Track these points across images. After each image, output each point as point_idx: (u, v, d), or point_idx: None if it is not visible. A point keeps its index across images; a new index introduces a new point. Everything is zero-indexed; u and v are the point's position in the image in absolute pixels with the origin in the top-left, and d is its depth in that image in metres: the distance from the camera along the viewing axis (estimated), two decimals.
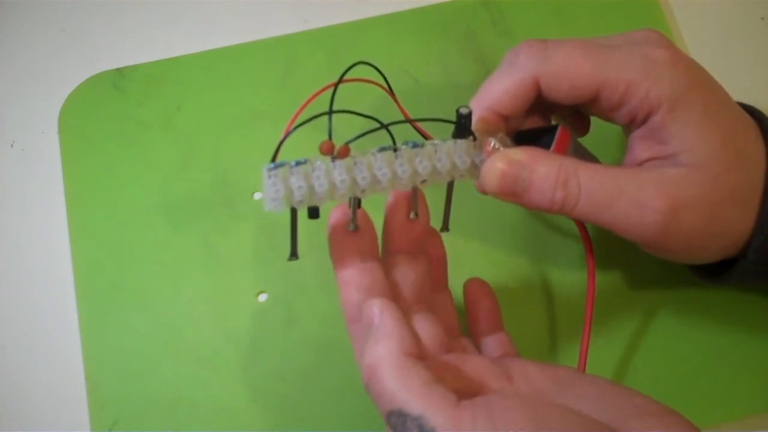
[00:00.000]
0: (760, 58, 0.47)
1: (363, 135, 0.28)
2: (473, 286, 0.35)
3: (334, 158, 0.28)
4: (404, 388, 0.25)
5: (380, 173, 0.28)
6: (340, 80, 0.28)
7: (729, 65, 0.47)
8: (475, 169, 0.31)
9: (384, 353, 0.26)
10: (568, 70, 0.32)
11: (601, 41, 0.33)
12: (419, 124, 0.32)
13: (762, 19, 0.48)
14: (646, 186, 0.30)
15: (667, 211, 0.30)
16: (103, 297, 0.40)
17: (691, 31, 0.47)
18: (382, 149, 0.29)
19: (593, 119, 0.37)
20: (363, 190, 0.28)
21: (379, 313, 0.27)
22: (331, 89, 0.28)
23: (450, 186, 0.32)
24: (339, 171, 0.28)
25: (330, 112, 0.28)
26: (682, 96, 0.31)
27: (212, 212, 0.42)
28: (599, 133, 0.38)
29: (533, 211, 0.42)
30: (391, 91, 0.31)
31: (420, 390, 0.25)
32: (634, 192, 0.30)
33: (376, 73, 0.31)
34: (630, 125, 0.33)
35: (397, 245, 0.31)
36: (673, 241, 0.31)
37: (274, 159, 0.27)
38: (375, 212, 0.32)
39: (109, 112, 0.44)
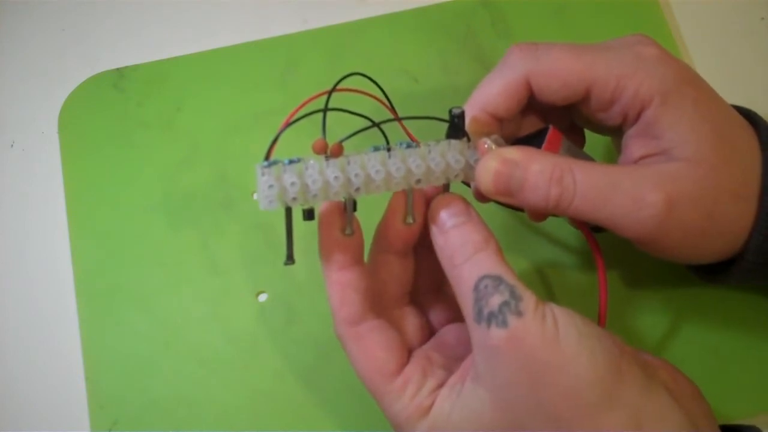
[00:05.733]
0: (760, 58, 0.47)
1: (356, 133, 0.28)
2: None
3: (327, 157, 0.28)
4: (505, 268, 0.28)
5: (374, 171, 0.28)
6: (334, 89, 0.28)
7: (729, 65, 0.47)
8: (470, 169, 0.31)
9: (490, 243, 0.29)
10: (559, 69, 0.32)
11: (592, 44, 0.33)
12: (411, 132, 0.32)
13: (762, 19, 0.48)
14: (642, 180, 0.30)
15: (664, 205, 0.30)
16: (103, 297, 0.40)
17: (691, 31, 0.47)
18: (376, 149, 0.29)
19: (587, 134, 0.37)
20: (357, 189, 0.28)
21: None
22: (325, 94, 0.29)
23: (446, 190, 0.32)
24: (332, 169, 0.28)
25: (325, 110, 0.28)
26: (673, 89, 0.31)
27: (212, 212, 0.42)
28: (591, 145, 0.38)
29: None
30: (389, 104, 0.31)
31: (514, 276, 0.28)
32: (630, 187, 0.30)
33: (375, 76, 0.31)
34: (623, 125, 0.33)
35: (392, 245, 0.31)
36: (670, 237, 0.31)
37: (267, 157, 0.27)
38: (370, 212, 0.32)
39: (109, 112, 0.44)
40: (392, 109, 0.31)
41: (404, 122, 0.31)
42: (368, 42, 0.46)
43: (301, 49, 0.45)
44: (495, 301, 0.27)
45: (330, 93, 0.29)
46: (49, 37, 0.46)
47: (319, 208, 0.30)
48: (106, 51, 0.46)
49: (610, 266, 0.41)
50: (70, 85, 0.44)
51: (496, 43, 0.46)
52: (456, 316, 0.34)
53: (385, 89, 0.31)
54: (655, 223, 0.30)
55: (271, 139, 0.27)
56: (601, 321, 0.33)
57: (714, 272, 0.35)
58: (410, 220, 0.30)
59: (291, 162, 0.28)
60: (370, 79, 0.31)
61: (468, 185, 0.34)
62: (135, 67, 0.45)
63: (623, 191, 0.30)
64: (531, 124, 0.36)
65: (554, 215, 0.35)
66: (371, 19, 0.46)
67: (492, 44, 0.46)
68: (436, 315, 0.34)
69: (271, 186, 0.27)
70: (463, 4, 0.47)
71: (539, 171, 0.30)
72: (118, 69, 0.44)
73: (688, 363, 0.39)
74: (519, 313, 0.27)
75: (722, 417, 0.38)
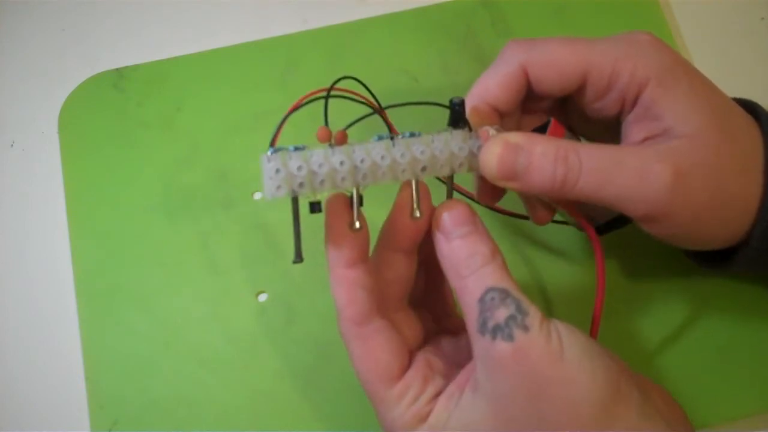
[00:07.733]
0: (760, 58, 0.47)
1: (359, 120, 0.28)
2: None
3: (332, 145, 0.28)
4: (511, 282, 0.29)
5: (379, 157, 0.28)
6: (329, 92, 0.28)
7: (729, 65, 0.47)
8: (473, 158, 0.31)
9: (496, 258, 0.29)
10: (555, 58, 0.32)
11: (587, 38, 0.34)
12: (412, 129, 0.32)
13: (762, 19, 0.48)
14: (648, 156, 0.30)
15: (671, 176, 0.30)
16: (103, 297, 0.40)
17: (691, 31, 0.47)
18: (380, 138, 0.29)
19: None
20: (364, 175, 0.28)
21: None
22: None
23: (449, 189, 0.32)
24: (338, 155, 0.28)
25: (327, 97, 0.28)
26: (669, 71, 0.31)
27: (212, 212, 0.42)
28: None
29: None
30: (379, 107, 0.30)
31: (520, 290, 0.29)
32: (636, 162, 0.30)
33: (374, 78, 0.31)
34: (621, 112, 0.33)
35: (399, 242, 0.31)
36: (678, 214, 0.30)
37: (272, 145, 0.27)
38: (373, 212, 0.32)
39: (109, 112, 0.44)
40: (381, 111, 0.30)
41: (405, 115, 0.31)
42: (368, 42, 0.46)
43: (301, 49, 0.45)
44: (501, 314, 0.27)
45: (327, 98, 0.28)
46: (49, 37, 0.46)
47: (326, 201, 0.29)
48: (106, 51, 0.46)
49: (610, 258, 0.40)
50: (70, 85, 0.44)
51: (496, 43, 0.46)
52: (439, 329, 0.34)
53: (385, 89, 0.32)
54: (663, 198, 0.30)
55: (272, 131, 0.27)
56: (595, 320, 0.33)
57: (717, 260, 0.35)
58: (417, 213, 0.30)
59: (296, 149, 0.27)
60: (361, 83, 0.30)
61: (472, 197, 0.34)
62: (135, 67, 0.45)
63: (629, 167, 0.30)
64: (530, 124, 0.36)
65: (557, 211, 0.35)
66: (371, 19, 0.46)
67: (492, 44, 0.46)
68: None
69: (278, 170, 0.27)
70: (463, 4, 0.47)
71: (542, 153, 0.30)
72: (118, 69, 0.44)
73: (688, 362, 0.39)
74: (525, 328, 0.27)
75: (722, 416, 0.38)
